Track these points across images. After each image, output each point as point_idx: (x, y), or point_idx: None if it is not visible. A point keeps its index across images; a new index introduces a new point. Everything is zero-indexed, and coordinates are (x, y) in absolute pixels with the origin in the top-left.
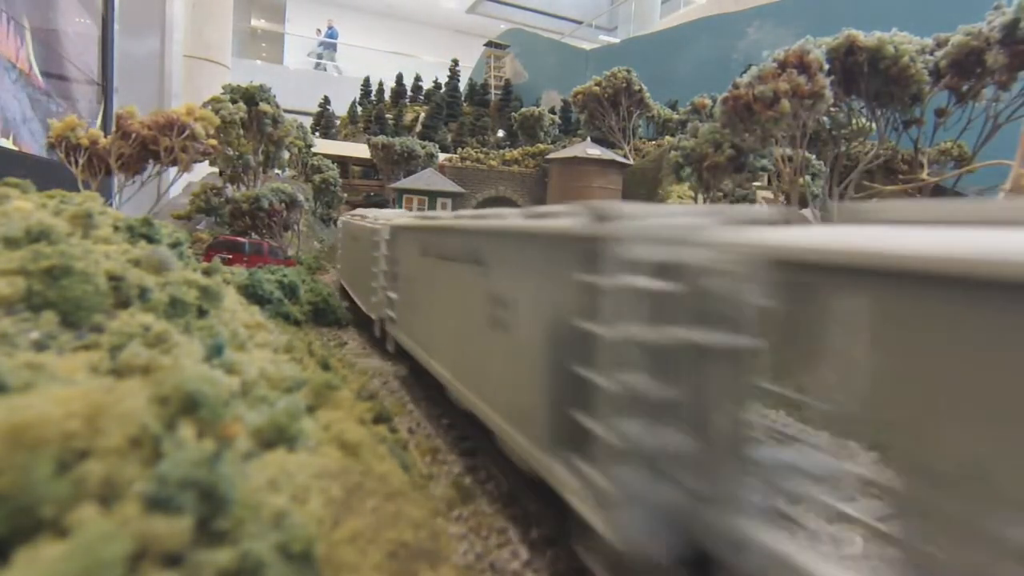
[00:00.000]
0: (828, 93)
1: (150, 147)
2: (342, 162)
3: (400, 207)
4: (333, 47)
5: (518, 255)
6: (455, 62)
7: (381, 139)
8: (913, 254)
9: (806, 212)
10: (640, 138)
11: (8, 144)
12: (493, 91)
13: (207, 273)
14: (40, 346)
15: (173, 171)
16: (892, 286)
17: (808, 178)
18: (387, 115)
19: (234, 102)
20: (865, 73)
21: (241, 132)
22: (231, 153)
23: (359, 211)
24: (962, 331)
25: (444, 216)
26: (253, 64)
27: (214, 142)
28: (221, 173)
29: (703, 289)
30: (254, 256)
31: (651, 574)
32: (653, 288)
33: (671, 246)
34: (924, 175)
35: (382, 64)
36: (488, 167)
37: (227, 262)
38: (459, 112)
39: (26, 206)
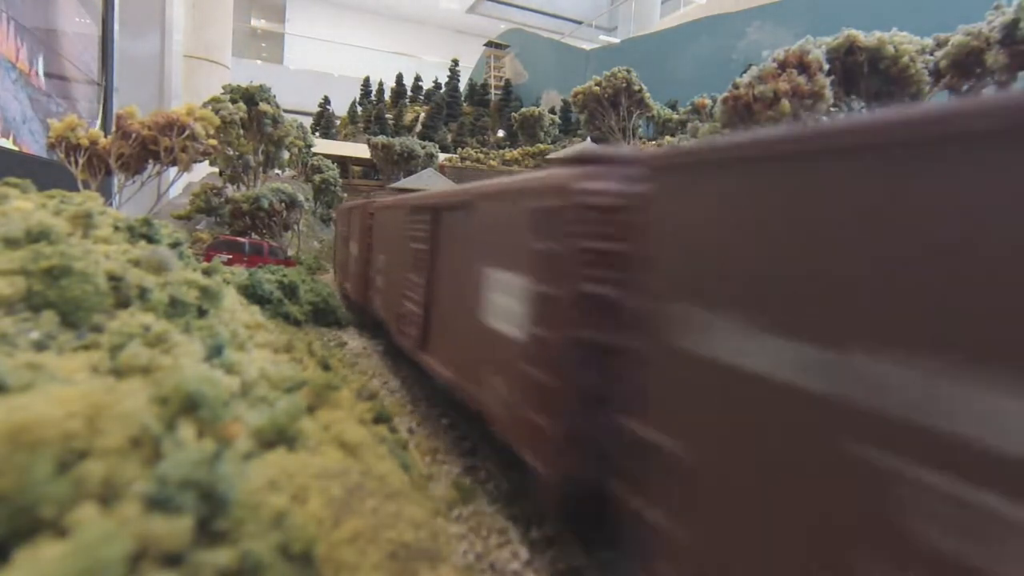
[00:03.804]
0: (828, 93)
1: (150, 147)
2: (342, 162)
3: None
4: None
5: None
6: (455, 62)
7: (381, 139)
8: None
9: None
10: (640, 138)
11: (8, 144)
12: (493, 91)
13: (207, 273)
14: (40, 346)
15: (173, 171)
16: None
17: None
18: (387, 115)
19: (234, 102)
20: (865, 73)
21: (241, 132)
22: (231, 153)
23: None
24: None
25: None
26: (253, 64)
27: (214, 142)
28: (221, 173)
29: None
30: (254, 256)
31: None
32: None
33: None
34: None
35: (381, 64)
36: (488, 167)
37: (227, 262)
38: (459, 112)
39: (26, 206)
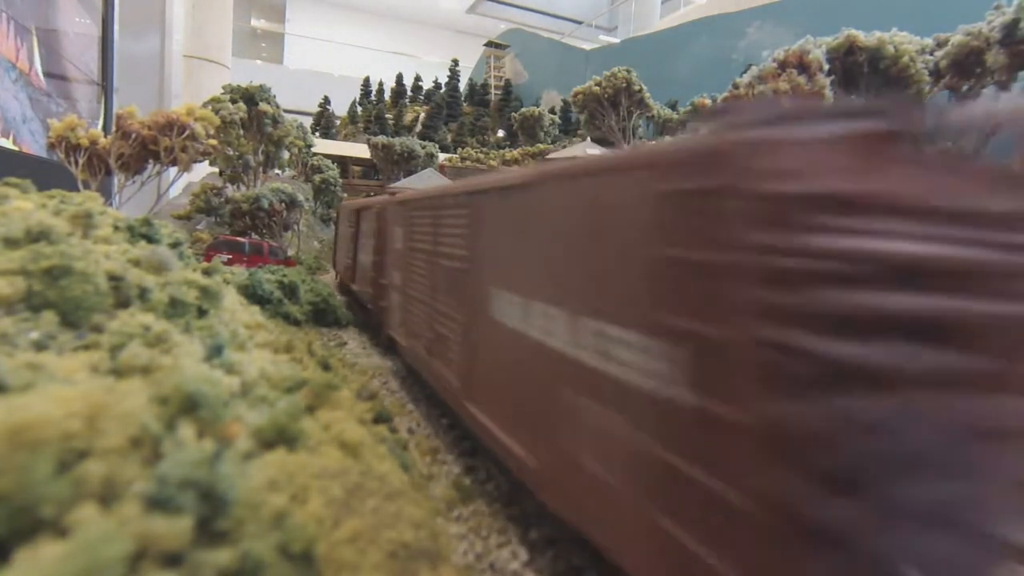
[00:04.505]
0: (828, 93)
1: (150, 147)
2: (342, 162)
3: None
4: None
5: None
6: (455, 62)
7: (381, 139)
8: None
9: None
10: (640, 138)
11: (8, 144)
12: (493, 91)
13: (207, 273)
14: (40, 346)
15: (173, 171)
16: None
17: None
18: (387, 115)
19: (234, 102)
20: (865, 73)
21: (241, 132)
22: (231, 153)
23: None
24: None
25: None
26: (253, 64)
27: (214, 142)
28: (221, 173)
29: None
30: (254, 256)
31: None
32: None
33: None
34: None
35: (381, 64)
36: (488, 167)
37: (227, 262)
38: (459, 112)
39: (26, 206)
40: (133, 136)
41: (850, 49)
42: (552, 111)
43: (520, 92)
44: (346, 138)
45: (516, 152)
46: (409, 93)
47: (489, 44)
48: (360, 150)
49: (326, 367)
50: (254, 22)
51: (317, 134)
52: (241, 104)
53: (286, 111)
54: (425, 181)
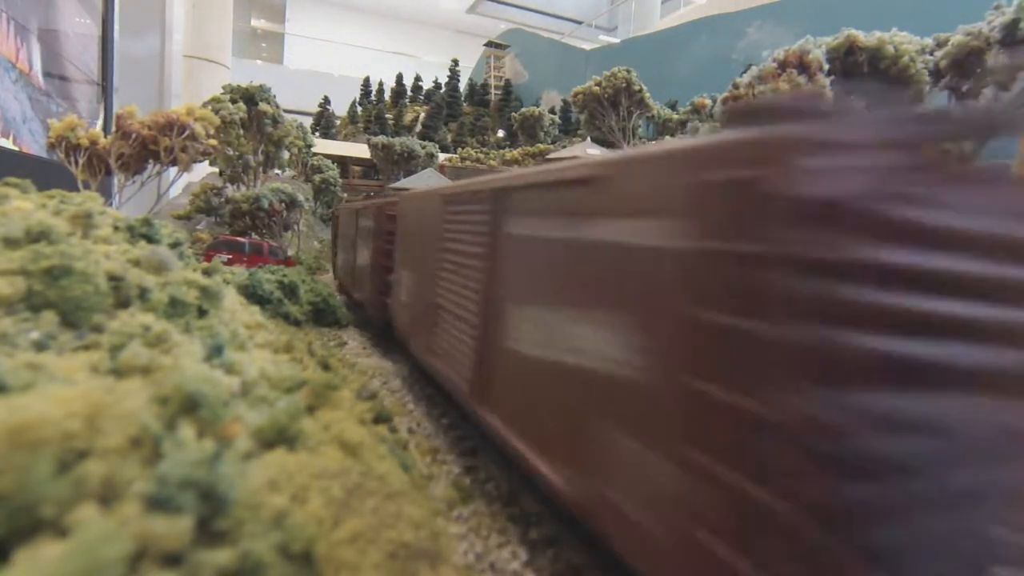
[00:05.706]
0: (828, 93)
1: (150, 147)
2: (342, 162)
3: None
4: None
5: None
6: (455, 62)
7: (381, 139)
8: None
9: None
10: (640, 138)
11: (8, 144)
12: (493, 91)
13: (207, 273)
14: (40, 346)
15: (173, 171)
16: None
17: None
18: (387, 115)
19: (234, 102)
20: (865, 73)
21: (241, 132)
22: (231, 153)
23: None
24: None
25: None
26: (253, 64)
27: (214, 142)
28: (221, 173)
29: None
30: (254, 256)
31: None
32: None
33: None
34: None
35: (381, 64)
36: (488, 167)
37: (227, 262)
38: (459, 112)
39: (26, 206)
40: (133, 136)
41: (850, 49)
42: (552, 111)
43: (520, 92)
44: (346, 138)
45: (516, 152)
46: (409, 93)
47: (489, 44)
48: (360, 150)
49: (326, 367)
50: (254, 22)
51: (317, 134)
52: (241, 104)
53: (286, 111)
54: (425, 181)
